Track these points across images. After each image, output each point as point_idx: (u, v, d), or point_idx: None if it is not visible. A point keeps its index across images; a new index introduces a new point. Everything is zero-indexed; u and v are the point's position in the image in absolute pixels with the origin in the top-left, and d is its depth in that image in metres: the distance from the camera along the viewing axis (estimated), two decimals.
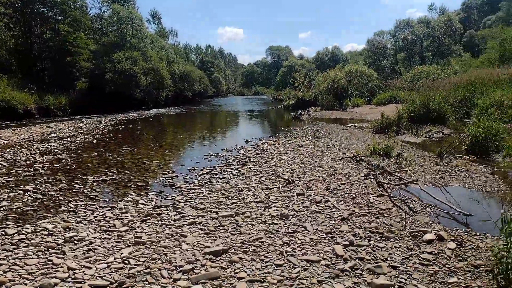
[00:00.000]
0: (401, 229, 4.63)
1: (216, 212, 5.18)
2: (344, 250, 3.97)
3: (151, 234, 4.46)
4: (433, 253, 3.99)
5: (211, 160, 9.22)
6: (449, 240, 4.29)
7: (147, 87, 31.78)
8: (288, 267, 3.61)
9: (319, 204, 5.53)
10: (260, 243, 4.16)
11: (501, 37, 26.15)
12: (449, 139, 11.41)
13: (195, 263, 3.68)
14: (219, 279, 3.40)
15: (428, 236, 4.35)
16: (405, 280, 3.44)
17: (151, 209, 5.44)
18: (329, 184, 6.64)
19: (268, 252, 3.94)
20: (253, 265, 3.66)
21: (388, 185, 6.62)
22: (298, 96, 30.86)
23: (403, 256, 3.91)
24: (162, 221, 4.90)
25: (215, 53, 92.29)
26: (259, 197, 5.89)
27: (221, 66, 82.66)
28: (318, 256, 3.86)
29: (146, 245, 4.16)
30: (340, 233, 4.47)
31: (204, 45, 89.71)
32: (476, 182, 6.86)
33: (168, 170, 8.01)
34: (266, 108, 33.54)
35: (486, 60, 27.85)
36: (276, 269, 3.57)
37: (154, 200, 5.92)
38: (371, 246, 4.13)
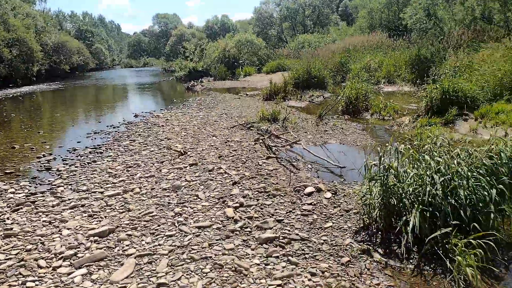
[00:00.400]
0: (286, 186, 5.01)
1: (102, 192, 4.85)
2: (234, 212, 4.14)
3: (25, 224, 3.98)
4: (313, 203, 4.43)
5: (95, 138, 8.50)
6: (326, 191, 4.80)
7: (13, 61, 27.27)
8: (180, 236, 3.62)
9: (211, 172, 5.61)
10: (150, 218, 4.06)
11: (369, 7, 29.17)
12: (328, 102, 12.54)
13: (78, 247, 3.43)
14: (105, 259, 3.24)
15: (309, 189, 4.81)
16: (289, 230, 3.76)
17: (24, 197, 4.82)
18: (221, 152, 6.76)
19: (159, 225, 3.88)
20: (143, 240, 3.57)
21: (276, 148, 7.03)
22: (190, 66, 30.08)
23: (287, 210, 4.26)
24: (37, 209, 4.40)
25: (95, 21, 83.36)
26: (150, 171, 5.70)
27: (102, 36, 75.06)
28: (210, 221, 3.95)
29: (18, 236, 3.70)
30: (231, 196, 4.63)
31: (81, 13, 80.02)
32: (349, 138, 7.74)
33: (43, 153, 7.14)
34: (157, 80, 31.99)
35: (358, 28, 30.89)
36: (167, 240, 3.55)
37: (27, 187, 5.25)
38: (259, 204, 4.38)
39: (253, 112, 11.06)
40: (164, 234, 3.66)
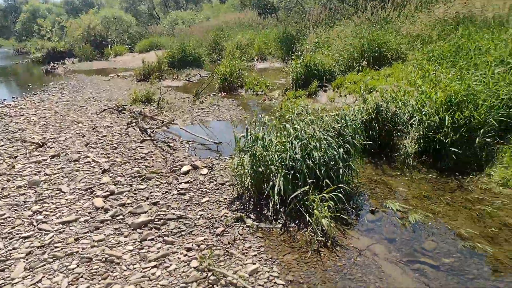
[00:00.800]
0: (162, 168, 4.90)
1: None
2: (104, 201, 3.89)
3: None
4: (189, 181, 4.44)
5: None
6: (202, 167, 4.86)
7: None
8: (40, 236, 3.25)
9: (77, 162, 5.12)
10: (2, 221, 3.53)
11: None
12: (205, 80, 12.53)
13: None
14: None
15: (185, 168, 4.79)
16: (165, 211, 3.71)
17: None
18: (89, 139, 6.20)
19: (13, 228, 3.40)
20: None
21: (151, 130, 6.78)
22: (48, 47, 26.36)
23: (163, 191, 4.18)
24: None
25: None
26: (0, 169, 4.91)
27: None
28: (76, 214, 3.63)
29: None
30: (100, 185, 4.32)
31: None
32: (225, 114, 7.92)
33: None
34: (9, 63, 27.26)
35: (231, 6, 31.28)
36: (24, 242, 3.15)
37: None
38: (133, 190, 4.20)
39: (126, 94, 10.39)
40: (20, 236, 3.24)
